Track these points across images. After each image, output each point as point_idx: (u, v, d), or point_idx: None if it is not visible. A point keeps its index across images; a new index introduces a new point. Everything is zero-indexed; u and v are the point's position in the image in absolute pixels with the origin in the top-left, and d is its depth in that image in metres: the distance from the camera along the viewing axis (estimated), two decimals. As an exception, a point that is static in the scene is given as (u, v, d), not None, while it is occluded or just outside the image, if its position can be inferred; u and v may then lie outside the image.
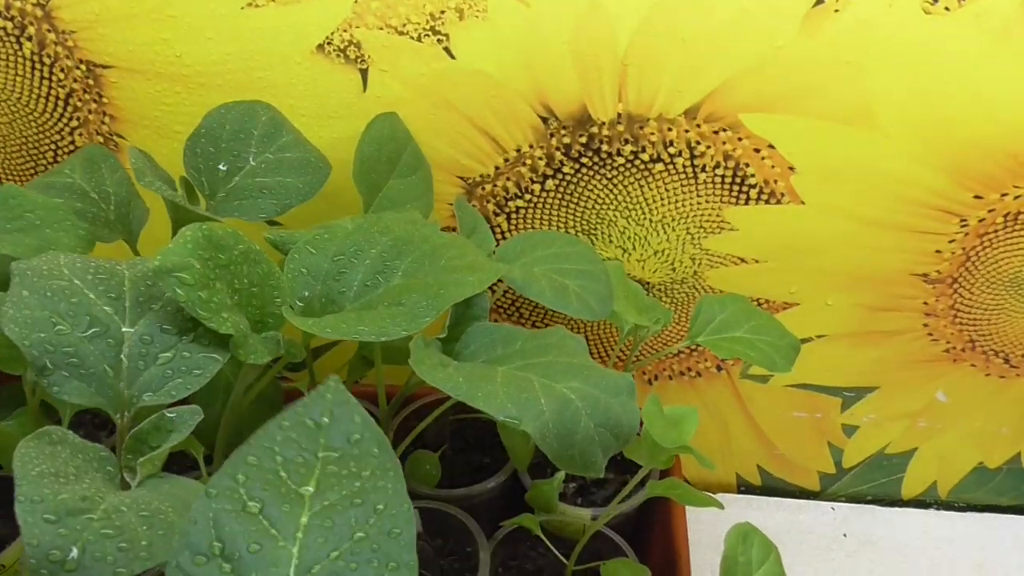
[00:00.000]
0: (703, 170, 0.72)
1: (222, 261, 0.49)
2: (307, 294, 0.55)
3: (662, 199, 0.73)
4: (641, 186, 0.73)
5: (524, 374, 0.45)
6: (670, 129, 0.70)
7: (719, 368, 0.83)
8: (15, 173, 0.79)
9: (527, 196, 0.74)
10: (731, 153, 0.71)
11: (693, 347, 0.83)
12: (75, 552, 0.33)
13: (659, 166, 0.72)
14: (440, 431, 0.80)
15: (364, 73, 0.70)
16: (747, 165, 0.71)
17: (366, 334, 0.49)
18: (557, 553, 0.66)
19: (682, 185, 0.72)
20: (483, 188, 0.75)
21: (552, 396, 0.43)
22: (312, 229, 0.61)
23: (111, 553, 0.34)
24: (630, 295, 0.62)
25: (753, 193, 0.72)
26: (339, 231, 0.58)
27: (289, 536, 0.31)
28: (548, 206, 0.75)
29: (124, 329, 0.46)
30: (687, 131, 0.70)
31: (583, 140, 0.71)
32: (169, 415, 0.44)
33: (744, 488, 0.92)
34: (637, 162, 0.72)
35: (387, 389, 0.81)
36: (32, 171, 0.78)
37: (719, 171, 0.72)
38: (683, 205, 0.73)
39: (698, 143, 0.70)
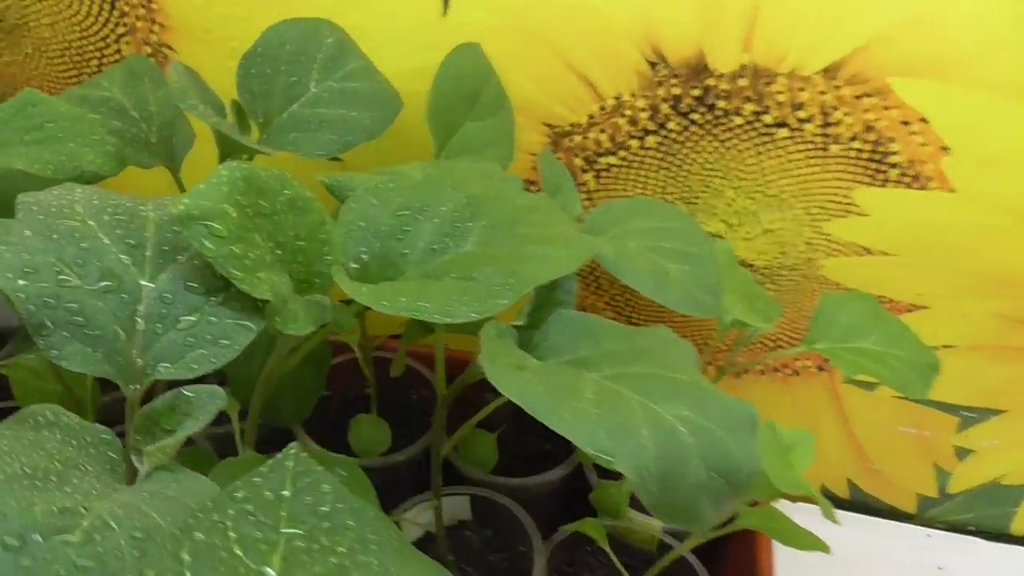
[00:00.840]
0: (836, 141, 0.60)
1: (264, 209, 0.41)
2: (363, 253, 0.46)
3: (782, 171, 0.62)
4: (759, 153, 0.62)
5: (618, 388, 0.36)
6: (802, 89, 0.59)
7: (820, 368, 0.73)
8: (56, 82, 0.71)
9: (622, 153, 0.64)
10: (873, 124, 0.59)
11: (793, 344, 0.72)
12: (40, 589, 0.26)
13: (783, 132, 0.61)
14: (499, 408, 0.72)
15: (447, -6, 0.60)
16: (891, 140, 0.59)
17: (427, 312, 0.40)
18: (620, 567, 0.58)
19: (808, 157, 0.61)
20: (571, 139, 0.65)
21: (655, 426, 0.34)
22: (374, 174, 0.52)
23: (86, 592, 0.26)
24: (739, 285, 0.52)
25: (894, 174, 0.61)
26: (405, 180, 0.49)
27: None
28: (645, 166, 0.64)
29: (142, 283, 0.38)
30: (823, 93, 0.59)
31: (696, 93, 0.60)
32: (187, 394, 0.37)
33: (831, 500, 0.83)
34: (758, 124, 0.61)
35: (449, 355, 0.73)
36: (75, 80, 0.71)
37: (856, 144, 0.60)
38: (806, 180, 0.62)
39: (834, 108, 0.59)
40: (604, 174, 0.66)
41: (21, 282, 0.35)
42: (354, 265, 0.46)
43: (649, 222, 0.53)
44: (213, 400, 0.36)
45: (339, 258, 0.45)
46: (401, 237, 0.47)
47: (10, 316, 0.79)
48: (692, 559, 0.58)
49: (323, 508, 0.26)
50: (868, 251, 0.65)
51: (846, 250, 0.66)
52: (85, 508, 0.29)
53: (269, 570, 0.24)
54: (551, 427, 0.33)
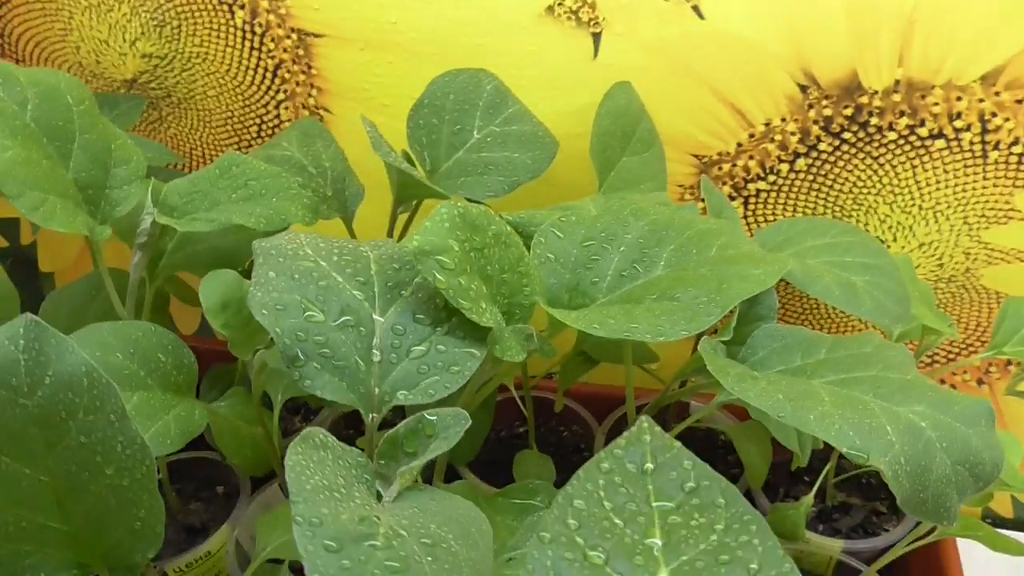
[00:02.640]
0: (995, 148, 0.60)
1: (476, 244, 0.43)
2: (554, 283, 0.48)
3: (938, 182, 0.62)
4: (913, 167, 0.62)
5: (850, 392, 0.37)
6: (959, 98, 0.59)
7: (980, 383, 0.71)
8: (217, 148, 0.76)
9: (771, 177, 0.65)
10: (1035, 128, 0.59)
11: (951, 357, 0.71)
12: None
13: (939, 143, 0.61)
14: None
15: (596, 37, 0.62)
16: (1054, 142, 0.59)
17: (639, 332, 0.41)
18: (811, 592, 0.57)
19: (966, 166, 0.61)
20: (720, 168, 0.66)
21: (897, 423, 0.34)
22: (552, 210, 0.55)
23: (400, 592, 0.28)
24: (922, 294, 0.52)
25: (1058, 176, 0.60)
26: (584, 213, 0.51)
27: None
28: (795, 189, 0.65)
29: (375, 317, 0.40)
30: (981, 101, 0.59)
31: (848, 112, 0.61)
32: (430, 417, 0.39)
33: (991, 520, 0.80)
34: (912, 138, 0.61)
35: (602, 390, 0.74)
36: (236, 147, 0.76)
37: (1017, 148, 0.60)
38: (964, 190, 0.62)
39: (993, 115, 0.59)
40: (753, 200, 0.67)
41: (275, 318, 0.38)
42: (547, 295, 0.48)
43: (824, 239, 0.53)
44: (459, 421, 0.38)
45: (536, 288, 0.47)
46: (590, 266, 0.48)
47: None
48: (863, 567, 0.57)
49: (689, 484, 0.27)
50: (1033, 259, 0.64)
51: (1008, 257, 0.64)
52: (377, 518, 0.31)
53: (655, 541, 0.25)
54: (799, 427, 0.34)
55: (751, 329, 0.44)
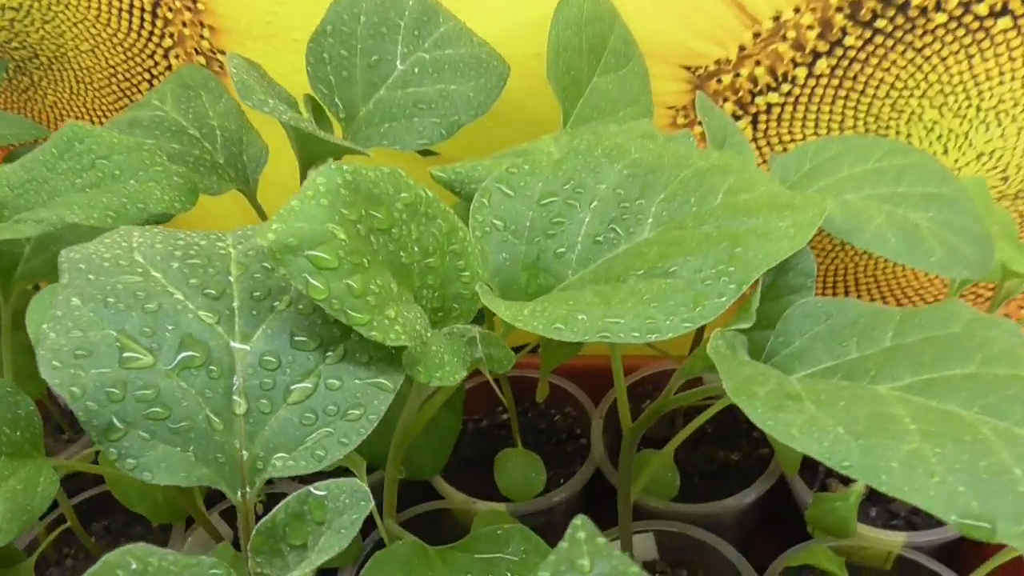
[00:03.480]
0: (1077, 21, 0.46)
1: (379, 223, 0.30)
2: (504, 259, 0.35)
3: (1001, 74, 0.48)
4: (969, 56, 0.48)
5: (944, 407, 0.24)
6: (1029, -42, 0.45)
7: (1053, 314, 0.59)
8: (108, 116, 0.63)
9: (785, 87, 0.51)
10: None
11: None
12: None
13: (1004, 22, 0.47)
14: (665, 419, 0.60)
15: (546, -77, 0.48)
16: None
17: (624, 330, 0.29)
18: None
19: (1038, 48, 0.47)
20: (718, 80, 0.52)
21: (1032, 459, 0.22)
22: (499, 158, 0.41)
23: None
24: (1002, 226, 0.39)
25: None
26: (541, 159, 0.37)
27: None
28: (816, 99, 0.51)
29: (234, 346, 0.28)
30: (1058, -42, 0.44)
31: (880, -8, 0.47)
32: (318, 494, 0.26)
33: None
34: (967, 19, 0.47)
35: (596, 363, 0.61)
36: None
37: (1105, 20, 0.46)
38: (1035, 80, 0.48)
39: (1075, -23, 0.45)
40: (763, 117, 0.53)
41: (74, 371, 0.25)
42: (496, 277, 0.35)
43: (865, 163, 0.40)
44: (355, 501, 0.25)
45: (478, 272, 0.34)
46: (552, 232, 0.35)
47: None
48: (933, 565, 0.45)
49: None
50: (1124, 160, 0.50)
51: (1092, 163, 0.51)
52: None
53: None
54: (878, 488, 0.21)
55: (781, 306, 0.31)
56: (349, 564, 0.51)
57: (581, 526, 0.18)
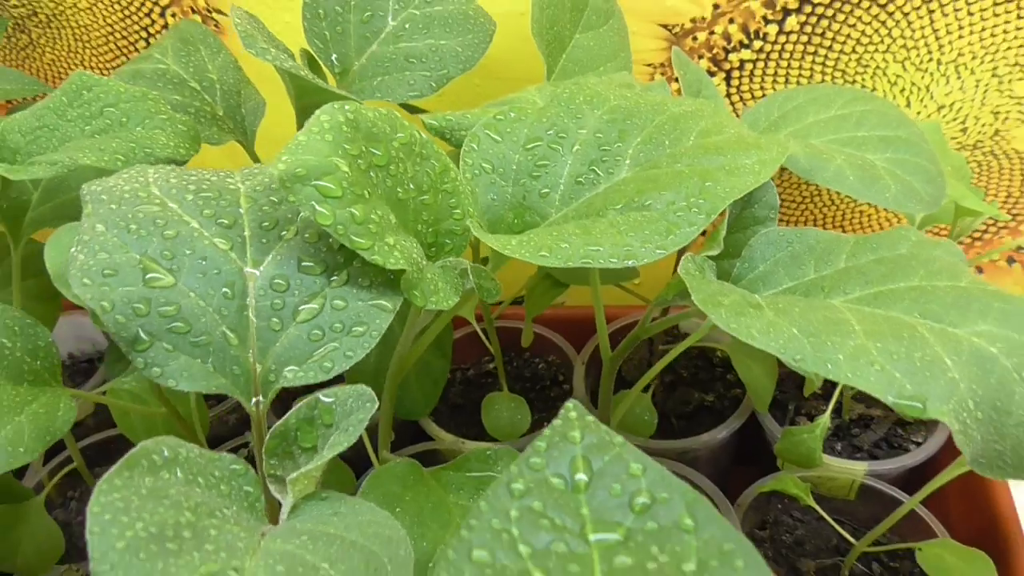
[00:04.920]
0: (1031, -20, 0.49)
1: (377, 159, 0.32)
2: (493, 199, 0.38)
3: (960, 28, 0.51)
4: (930, 12, 0.51)
5: (888, 313, 0.27)
6: (986, -80, 0.47)
7: (1011, 261, 0.62)
8: (106, 72, 0.64)
9: (757, 43, 0.54)
10: (1081, -52, 0.47)
11: (977, 236, 0.61)
12: None
13: (962, -20, 0.49)
14: (642, 361, 0.64)
15: None
16: (1105, -35, 0.48)
17: (601, 256, 0.32)
18: (838, 526, 0.49)
19: (996, 3, 0.50)
20: (694, 37, 0.54)
21: (959, 353, 0.25)
22: (488, 107, 0.44)
23: None
24: (955, 168, 0.42)
25: (1107, 9, 0.49)
26: (527, 107, 0.40)
27: None
28: (786, 55, 0.54)
29: (247, 270, 0.30)
30: (1013, -80, 0.47)
31: (847, -49, 0.49)
32: (326, 400, 0.29)
33: None
34: (928, -23, 0.50)
35: (578, 313, 0.64)
36: (124, 67, 0.64)
37: (1057, -21, 0.49)
38: (993, 34, 0.51)
39: (1029, -63, 0.47)
40: (736, 73, 0.55)
41: (103, 288, 0.28)
42: (485, 216, 0.38)
43: (829, 110, 0.42)
44: (362, 404, 0.28)
45: (468, 210, 0.36)
46: (537, 174, 0.38)
47: (97, 338, 0.74)
48: (920, 509, 0.49)
49: (641, 499, 0.18)
50: (1075, 114, 0.53)
51: (1045, 116, 0.54)
52: (236, 571, 0.21)
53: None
54: (826, 375, 0.24)
55: (747, 236, 0.34)
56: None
57: (573, 407, 0.21)
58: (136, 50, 0.62)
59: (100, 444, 0.61)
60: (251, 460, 0.35)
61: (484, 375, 0.67)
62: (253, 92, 0.51)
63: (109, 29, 0.62)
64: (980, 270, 0.63)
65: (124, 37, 0.62)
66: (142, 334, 0.28)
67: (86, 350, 0.73)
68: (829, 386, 0.58)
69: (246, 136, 0.50)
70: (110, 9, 0.61)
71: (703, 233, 0.33)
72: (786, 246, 0.33)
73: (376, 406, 0.28)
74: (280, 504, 0.29)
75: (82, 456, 0.56)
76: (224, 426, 0.63)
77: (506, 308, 0.63)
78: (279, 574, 0.22)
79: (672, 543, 0.18)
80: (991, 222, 0.60)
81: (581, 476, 0.19)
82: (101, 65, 0.64)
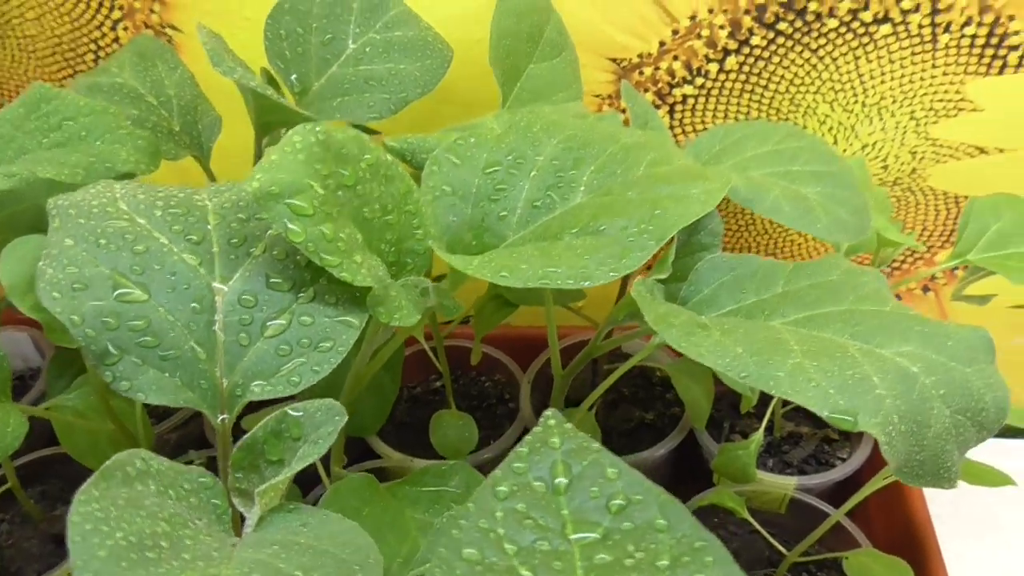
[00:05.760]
0: (947, 30, 0.53)
1: (345, 180, 0.34)
2: (453, 221, 0.39)
3: (883, 74, 0.55)
4: (856, 58, 0.55)
5: (820, 334, 0.29)
6: (908, -26, 0.51)
7: (926, 290, 0.66)
8: (51, 84, 0.64)
9: (699, 80, 0.57)
10: (990, 2, 0.52)
11: (896, 265, 0.66)
12: None
13: (885, 28, 0.53)
14: (586, 380, 0.66)
15: (487, -81, 0.52)
16: (1011, 18, 0.52)
17: (559, 277, 0.33)
18: (770, 538, 0.52)
19: (914, 53, 0.54)
20: (641, 72, 0.57)
21: (885, 372, 0.27)
22: (447, 131, 0.45)
23: None
24: (878, 202, 0.45)
25: (1013, 58, 0.54)
26: (486, 133, 0.41)
27: None
28: (726, 92, 0.57)
29: (215, 286, 0.31)
30: (932, -25, 0.51)
31: (783, -2, 0.53)
32: (294, 414, 0.30)
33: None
34: (855, 24, 0.53)
35: (525, 333, 0.65)
36: (71, 80, 0.63)
37: (969, 30, 0.53)
38: (911, 81, 0.55)
39: (946, -8, 0.52)
40: (679, 107, 0.58)
41: (73, 301, 0.28)
42: (445, 236, 0.39)
43: (766, 145, 0.45)
44: (330, 418, 0.29)
45: (430, 231, 0.38)
46: (496, 198, 0.40)
47: (28, 353, 0.72)
48: (845, 521, 0.51)
49: (617, 501, 0.20)
50: (982, 151, 0.58)
51: (957, 153, 0.58)
52: (214, 580, 0.22)
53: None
54: (767, 391, 0.26)
55: (693, 261, 0.36)
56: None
57: (552, 415, 0.22)
58: (84, 63, 0.62)
59: (33, 464, 0.60)
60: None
61: (431, 392, 0.67)
62: (209, 108, 0.51)
63: (56, 40, 0.61)
64: (899, 297, 0.67)
65: (72, 49, 0.61)
66: (111, 348, 0.28)
67: (17, 367, 0.71)
68: (761, 405, 0.60)
69: (202, 152, 0.50)
70: (59, 20, 0.60)
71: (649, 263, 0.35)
72: (729, 271, 0.35)
73: (344, 419, 0.29)
74: (244, 517, 0.29)
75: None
76: (166, 444, 0.62)
77: (455, 327, 0.64)
78: (261, 569, 0.22)
79: (647, 541, 0.19)
80: (909, 252, 0.64)
81: (561, 479, 0.21)
82: (46, 76, 0.63)
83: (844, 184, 0.42)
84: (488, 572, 0.18)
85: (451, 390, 0.62)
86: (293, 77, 0.48)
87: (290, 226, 0.30)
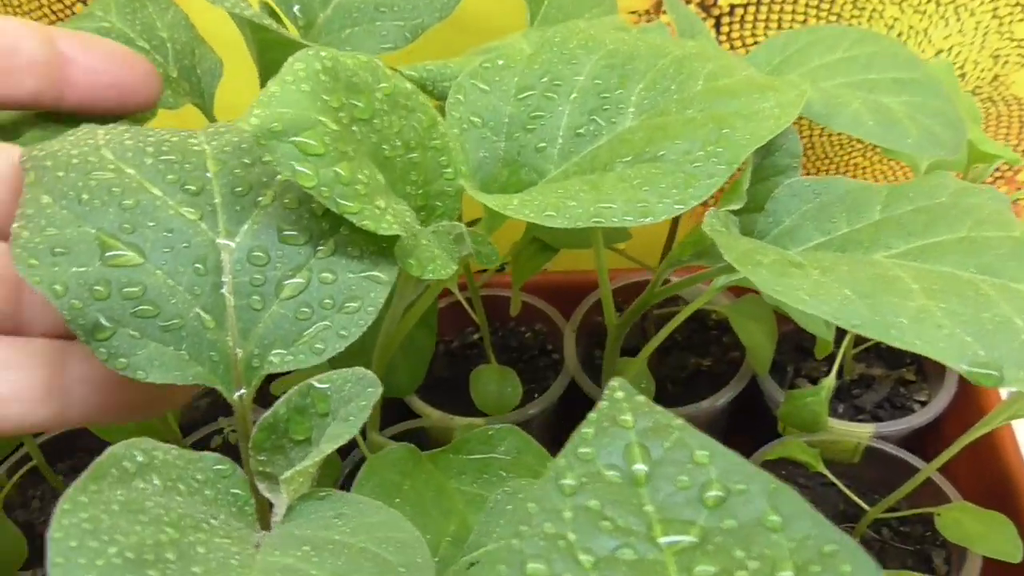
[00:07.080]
0: (1035, -91, 0.46)
1: (360, 113, 0.29)
2: (484, 156, 0.35)
3: (960, -33, 0.49)
4: (929, -51, 0.48)
5: (940, 268, 0.25)
6: None
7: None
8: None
9: (748, -14, 0.51)
10: None
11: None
12: None
13: (963, -89, 0.47)
14: (634, 327, 0.61)
15: None
16: None
17: (615, 214, 0.28)
18: (849, 492, 0.48)
19: (996, -61, 0.48)
20: (682, -18, 0.51)
21: (1026, 310, 0.22)
22: (471, 55, 0.40)
23: None
24: (969, 111, 0.40)
25: (1112, -61, 0.47)
26: (515, 54, 0.36)
27: None
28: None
29: (220, 242, 0.27)
30: None
31: None
32: (320, 386, 0.26)
33: None
34: (928, -91, 0.47)
35: (565, 278, 0.61)
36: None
37: (1061, -92, 0.46)
38: (993, -28, 0.49)
39: None
40: (727, 20, 0.52)
41: (54, 269, 0.24)
42: (477, 174, 0.35)
43: (835, 53, 0.40)
44: (362, 389, 0.25)
45: (460, 168, 0.33)
46: (532, 127, 0.35)
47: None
48: (935, 475, 0.47)
49: (713, 492, 0.16)
50: (1075, 52, 0.51)
51: (1045, 56, 0.52)
52: (229, 598, 0.18)
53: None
54: (889, 342, 0.22)
55: (768, 187, 0.31)
56: (329, 485, 0.51)
57: (619, 387, 0.18)
58: (63, 4, 0.57)
59: (59, 439, 0.57)
60: (227, 450, 0.31)
61: (469, 346, 0.64)
62: (208, 51, 0.46)
63: (43, -11, 0.56)
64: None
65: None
66: (103, 320, 0.24)
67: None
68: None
69: (203, 99, 0.45)
70: (43, -34, 0.55)
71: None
72: (813, 197, 0.30)
73: (379, 391, 0.25)
74: (271, 505, 0.26)
75: (41, 453, 0.52)
76: (196, 411, 0.59)
77: (490, 276, 0.60)
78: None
79: (759, 545, 0.15)
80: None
81: (639, 467, 0.17)
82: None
83: (932, 92, 0.37)
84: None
85: (490, 343, 0.58)
86: (296, 8, 0.43)
87: (299, 168, 0.25)
